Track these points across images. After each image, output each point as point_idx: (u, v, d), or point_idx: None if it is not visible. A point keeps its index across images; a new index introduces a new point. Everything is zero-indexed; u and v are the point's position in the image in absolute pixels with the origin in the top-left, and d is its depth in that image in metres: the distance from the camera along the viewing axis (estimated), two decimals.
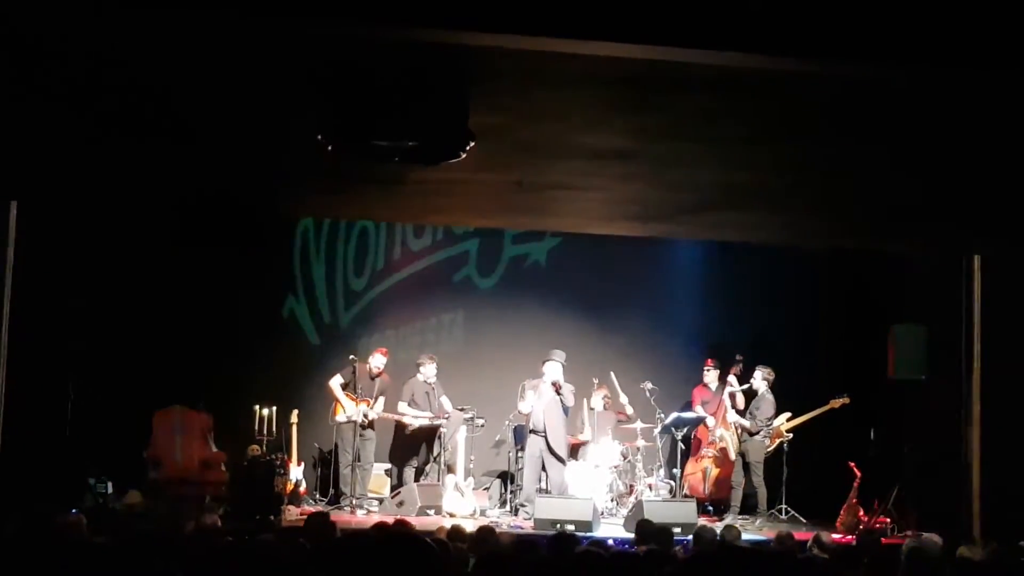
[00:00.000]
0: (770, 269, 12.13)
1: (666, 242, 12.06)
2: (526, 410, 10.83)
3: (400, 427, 11.34)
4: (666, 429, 11.17)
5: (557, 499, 10.32)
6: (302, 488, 10.97)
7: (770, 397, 11.15)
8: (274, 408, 10.81)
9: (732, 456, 11.24)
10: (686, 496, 11.03)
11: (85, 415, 10.30)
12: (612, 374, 11.30)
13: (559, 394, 10.76)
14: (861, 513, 10.55)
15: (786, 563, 4.48)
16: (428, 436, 11.21)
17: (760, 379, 11.19)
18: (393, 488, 11.14)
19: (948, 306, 10.51)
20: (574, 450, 11.27)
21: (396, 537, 3.98)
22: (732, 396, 11.37)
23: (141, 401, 10.57)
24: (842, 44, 4.88)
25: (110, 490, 10.08)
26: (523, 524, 10.17)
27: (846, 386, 11.28)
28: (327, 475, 11.25)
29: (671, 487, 11.04)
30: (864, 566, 5.75)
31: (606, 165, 7.36)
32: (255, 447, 10.60)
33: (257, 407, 10.78)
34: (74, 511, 7.30)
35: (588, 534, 9.30)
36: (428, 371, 11.19)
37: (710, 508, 11.43)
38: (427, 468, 11.19)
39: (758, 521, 10.72)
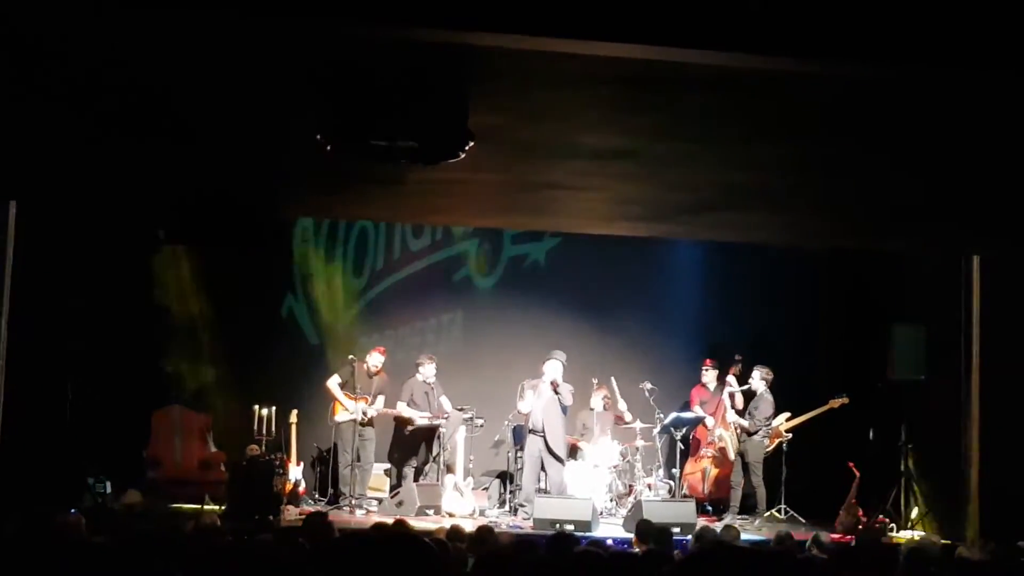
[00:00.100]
0: (770, 269, 12.12)
1: (666, 242, 12.04)
2: (525, 410, 10.83)
3: (400, 427, 11.33)
4: (665, 429, 11.15)
5: (556, 499, 10.32)
6: (301, 488, 10.96)
7: (769, 397, 11.14)
8: (273, 408, 10.81)
9: (731, 456, 11.23)
10: (685, 496, 11.03)
11: (84, 415, 10.29)
12: (613, 379, 11.27)
13: (557, 393, 10.76)
14: (860, 513, 10.56)
15: (785, 563, 4.46)
16: (427, 436, 11.20)
17: (759, 379, 11.18)
18: (392, 488, 11.12)
19: (948, 306, 10.51)
20: (573, 450, 11.27)
21: (395, 537, 3.97)
22: (731, 396, 11.37)
23: (140, 401, 10.57)
24: (842, 44, 4.86)
25: (109, 490, 10.09)
26: (522, 524, 10.17)
27: (845, 386, 11.29)
28: (326, 475, 11.27)
29: (670, 487, 11.03)
30: (863, 566, 5.75)
31: (606, 165, 7.34)
32: (254, 447, 10.59)
33: (256, 407, 10.79)
34: (73, 511, 7.28)
35: (587, 534, 9.31)
36: (427, 371, 11.18)
37: (709, 508, 11.43)
38: (426, 468, 11.17)
39: (757, 521, 10.72)
